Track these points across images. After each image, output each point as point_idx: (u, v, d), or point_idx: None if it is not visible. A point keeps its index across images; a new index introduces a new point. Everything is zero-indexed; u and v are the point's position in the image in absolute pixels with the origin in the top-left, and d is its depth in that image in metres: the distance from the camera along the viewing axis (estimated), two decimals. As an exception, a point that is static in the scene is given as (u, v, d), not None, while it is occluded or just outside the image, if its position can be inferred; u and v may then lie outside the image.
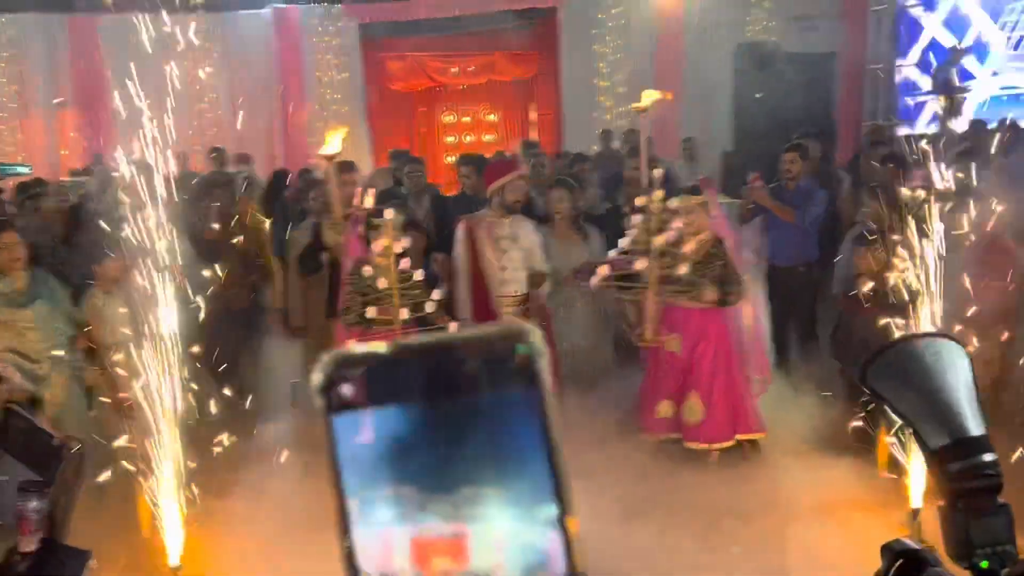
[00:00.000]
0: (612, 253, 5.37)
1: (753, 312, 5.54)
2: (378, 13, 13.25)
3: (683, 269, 5.15)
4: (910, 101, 13.09)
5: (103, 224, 4.64)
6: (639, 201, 5.42)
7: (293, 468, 5.24)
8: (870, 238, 5.29)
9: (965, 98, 12.21)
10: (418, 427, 0.49)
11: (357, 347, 0.51)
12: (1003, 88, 13.53)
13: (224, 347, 5.61)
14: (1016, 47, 13.54)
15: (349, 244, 5.45)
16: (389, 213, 5.04)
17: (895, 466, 4.43)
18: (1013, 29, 13.40)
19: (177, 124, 4.62)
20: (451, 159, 12.95)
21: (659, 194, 5.33)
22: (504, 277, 5.84)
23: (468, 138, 14.69)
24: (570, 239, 6.27)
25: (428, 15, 13.02)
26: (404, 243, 5.00)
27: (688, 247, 5.24)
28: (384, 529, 0.49)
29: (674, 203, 5.31)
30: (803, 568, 3.99)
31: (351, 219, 5.42)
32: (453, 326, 5.14)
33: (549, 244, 6.05)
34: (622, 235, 5.43)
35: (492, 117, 14.91)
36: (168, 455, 3.98)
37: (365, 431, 0.50)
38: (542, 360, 0.50)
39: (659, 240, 5.19)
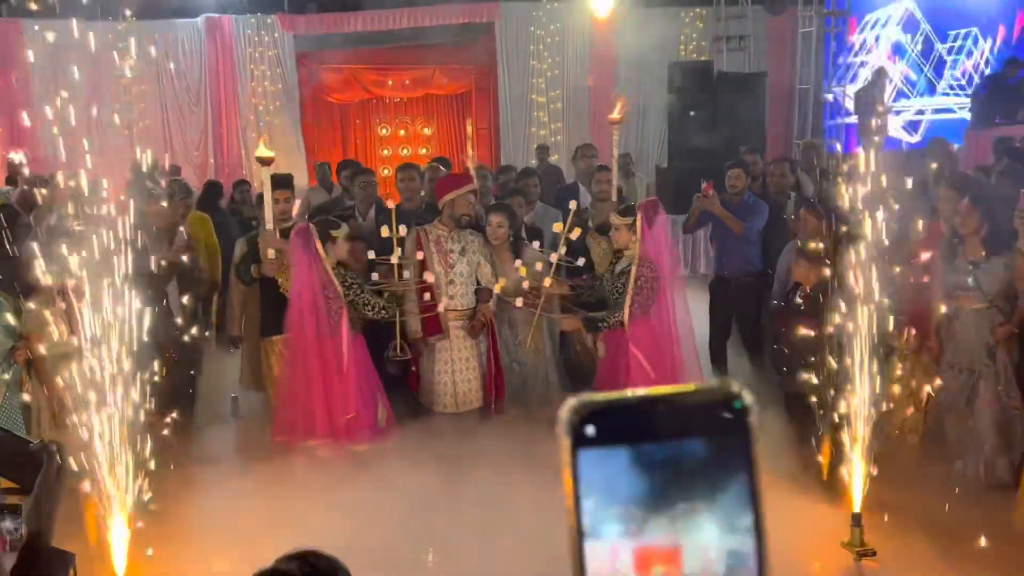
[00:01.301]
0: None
1: (671, 340, 5.54)
2: (314, 25, 13.17)
3: (547, 283, 5.36)
4: (840, 121, 13.57)
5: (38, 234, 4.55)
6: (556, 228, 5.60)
7: (236, 479, 5.20)
8: (806, 250, 5.47)
9: (889, 118, 12.69)
10: (648, 464, 0.60)
11: (601, 395, 0.61)
12: (936, 111, 14.12)
13: (168, 357, 5.51)
14: (938, 69, 14.15)
15: (293, 257, 5.40)
16: (343, 230, 5.16)
17: (835, 470, 4.57)
18: (941, 53, 14.01)
19: (106, 133, 4.56)
20: (387, 172, 12.93)
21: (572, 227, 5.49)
22: (451, 291, 5.86)
23: (404, 151, 14.67)
24: (507, 260, 6.29)
25: (364, 28, 13.00)
26: (342, 252, 5.16)
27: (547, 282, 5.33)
28: (613, 542, 0.60)
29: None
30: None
31: (294, 231, 5.38)
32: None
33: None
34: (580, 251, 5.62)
35: (427, 131, 14.93)
36: (112, 466, 3.90)
37: (603, 464, 0.60)
38: (754, 416, 0.61)
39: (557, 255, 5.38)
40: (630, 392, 0.61)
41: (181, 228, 6.28)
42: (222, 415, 6.51)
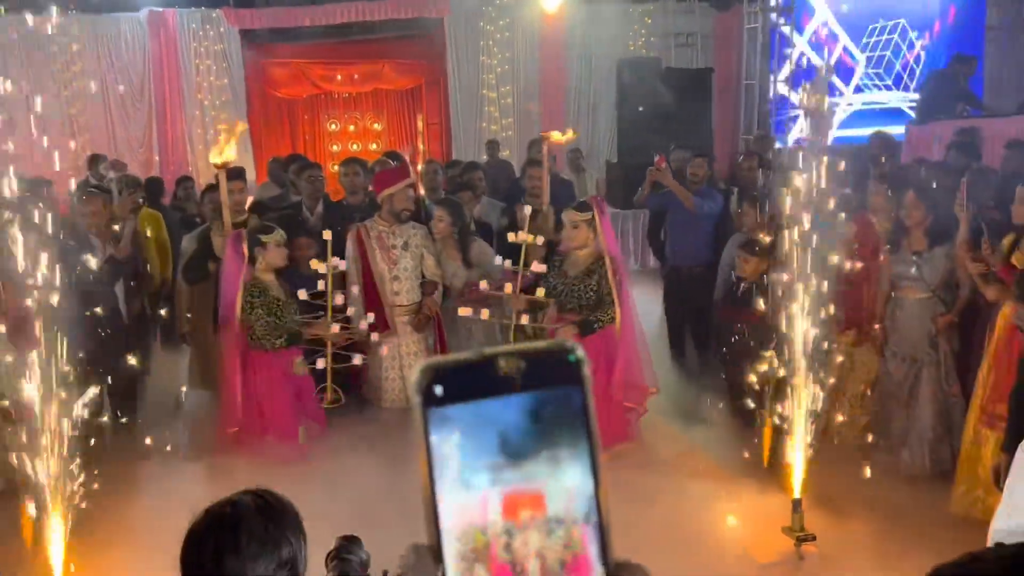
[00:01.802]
0: (506, 263, 5.39)
1: (632, 336, 5.52)
2: (260, 19, 13.01)
3: (536, 267, 5.27)
4: (787, 116, 13.76)
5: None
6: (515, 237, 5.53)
7: (179, 476, 5.13)
8: (747, 244, 5.54)
9: (833, 113, 12.88)
10: (497, 417, 0.64)
11: (448, 356, 0.66)
12: (865, 104, 14.39)
13: (112, 357, 5.43)
14: (876, 65, 14.43)
15: (226, 266, 5.33)
16: (276, 235, 5.10)
17: (776, 458, 4.64)
18: (875, 48, 14.28)
19: (46, 129, 4.46)
20: (336, 167, 12.81)
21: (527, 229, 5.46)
22: (396, 287, 5.84)
23: (354, 146, 14.55)
24: (450, 256, 6.29)
25: (312, 22, 12.86)
26: (281, 255, 5.08)
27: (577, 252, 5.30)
28: (477, 492, 0.64)
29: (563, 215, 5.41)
30: (688, 556, 4.11)
31: (230, 238, 5.32)
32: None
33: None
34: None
35: (377, 126, 14.82)
36: (51, 466, 3.82)
37: (455, 421, 0.64)
38: (587, 367, 0.66)
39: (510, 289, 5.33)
40: (473, 351, 0.65)
41: (116, 227, 6.13)
42: (169, 413, 6.42)
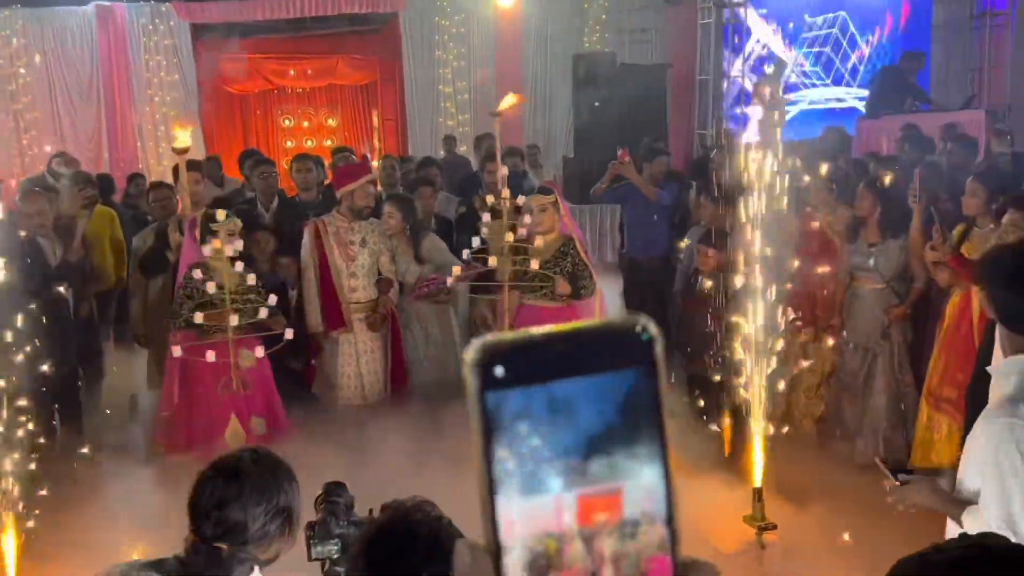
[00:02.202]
0: (466, 253, 5.38)
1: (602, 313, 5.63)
2: (211, 13, 12.80)
3: (534, 265, 5.20)
4: (739, 110, 13.89)
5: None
6: (489, 199, 5.48)
7: (133, 482, 5.03)
8: (711, 237, 5.58)
9: (788, 109, 13.04)
10: (564, 403, 0.57)
11: (509, 333, 0.58)
12: (812, 103, 14.61)
13: (62, 361, 5.29)
14: (818, 63, 14.64)
15: (184, 249, 5.23)
16: (221, 215, 4.94)
17: (737, 448, 4.69)
18: (825, 45, 14.49)
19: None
20: (288, 164, 12.67)
21: (506, 192, 5.41)
22: (353, 284, 5.77)
23: (308, 142, 14.41)
24: (403, 252, 6.25)
25: (264, 17, 12.69)
26: (236, 246, 4.89)
27: (538, 241, 5.30)
28: (549, 493, 0.56)
29: (524, 201, 5.37)
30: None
31: (187, 223, 5.21)
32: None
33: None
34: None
35: (332, 122, 14.70)
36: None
37: (518, 407, 0.56)
38: (659, 346, 0.60)
39: (509, 237, 5.23)
40: (535, 330, 0.58)
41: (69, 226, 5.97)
42: (123, 416, 6.29)
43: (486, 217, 5.31)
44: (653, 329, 0.60)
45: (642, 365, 0.59)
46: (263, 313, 4.81)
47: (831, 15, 14.34)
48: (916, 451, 5.08)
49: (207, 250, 4.80)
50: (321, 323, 5.71)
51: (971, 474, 2.24)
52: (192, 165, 5.86)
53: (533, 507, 0.57)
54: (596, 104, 11.40)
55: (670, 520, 0.59)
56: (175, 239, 5.46)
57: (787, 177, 6.99)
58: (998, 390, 2.28)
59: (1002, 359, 2.32)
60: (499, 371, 0.56)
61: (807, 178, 5.76)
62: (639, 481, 0.58)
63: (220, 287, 4.78)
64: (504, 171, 5.56)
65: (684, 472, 4.78)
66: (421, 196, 6.59)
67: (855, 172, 6.84)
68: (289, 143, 14.42)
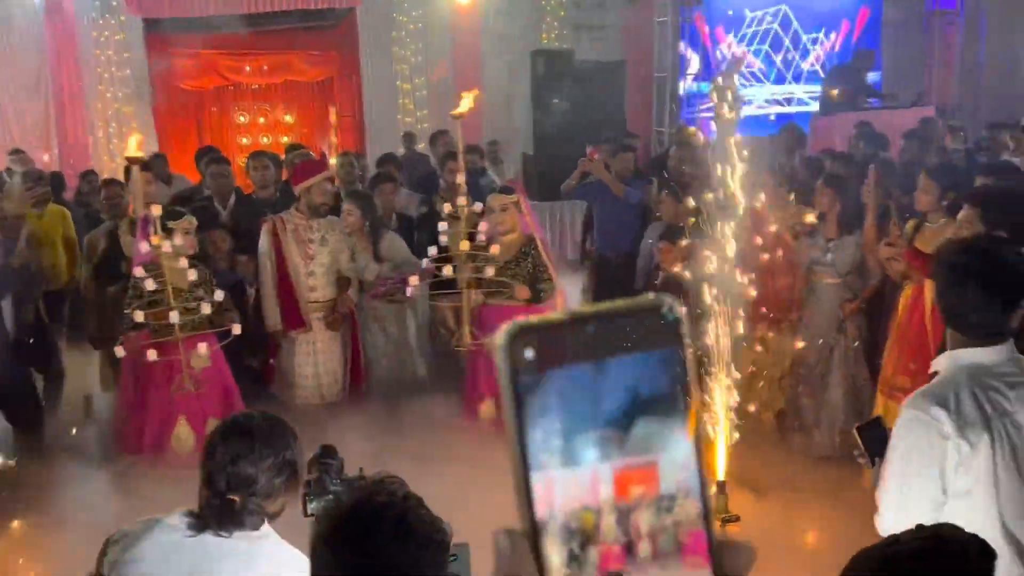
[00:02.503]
0: (425, 262, 5.32)
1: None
2: (163, 7, 12.57)
3: (490, 271, 5.17)
4: (698, 109, 14.02)
5: None
6: (446, 209, 5.47)
7: (88, 485, 4.93)
8: (672, 233, 5.61)
9: (743, 107, 13.17)
10: (595, 382, 0.58)
11: (538, 316, 0.59)
12: (785, 98, 14.79)
13: (11, 367, 5.17)
14: (791, 62, 14.81)
15: (136, 248, 5.11)
16: (184, 221, 4.87)
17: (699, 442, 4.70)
18: (779, 43, 14.65)
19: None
20: (244, 161, 12.51)
21: (463, 200, 5.38)
22: (312, 283, 5.70)
23: (265, 139, 14.23)
24: (363, 249, 6.20)
25: (218, 12, 12.49)
26: (179, 241, 4.80)
27: (495, 248, 5.24)
28: (584, 468, 0.58)
29: (483, 205, 5.33)
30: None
31: (140, 222, 5.09)
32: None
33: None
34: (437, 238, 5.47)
35: (289, 118, 14.53)
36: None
37: (550, 389, 0.58)
38: (685, 326, 0.61)
39: (464, 245, 5.19)
40: (563, 312, 0.59)
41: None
42: (77, 418, 6.16)
43: (443, 226, 5.26)
44: (678, 310, 0.61)
45: (668, 344, 0.60)
46: (206, 309, 4.73)
47: (784, 12, 14.53)
48: (873, 443, 5.16)
49: (148, 246, 4.71)
50: (279, 322, 5.64)
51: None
52: (145, 165, 5.73)
53: (568, 483, 0.57)
54: (556, 100, 11.42)
55: (703, 494, 0.61)
56: (126, 241, 5.35)
57: (744, 174, 7.08)
58: (933, 381, 2.33)
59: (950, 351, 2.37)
60: (529, 354, 0.58)
61: (764, 175, 5.86)
62: (673, 455, 0.59)
63: (161, 286, 4.69)
64: (460, 176, 5.49)
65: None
66: (381, 193, 6.53)
67: (811, 169, 6.92)
68: (245, 140, 14.23)
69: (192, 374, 4.82)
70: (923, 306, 4.83)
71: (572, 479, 0.57)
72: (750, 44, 14.54)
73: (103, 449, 5.46)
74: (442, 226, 5.28)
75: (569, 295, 6.80)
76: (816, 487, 4.90)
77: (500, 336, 0.58)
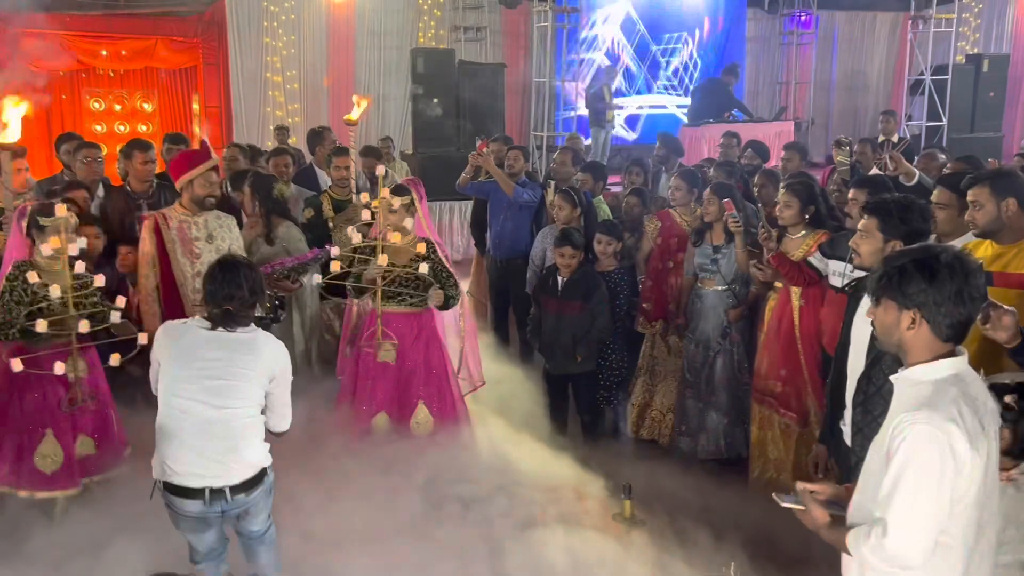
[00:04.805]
0: (335, 250, 5.02)
1: (467, 319, 5.37)
2: (10, -19, 11.67)
3: (382, 260, 4.80)
4: (571, 114, 14.21)
5: None
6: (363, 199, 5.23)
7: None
8: (567, 237, 5.62)
9: (616, 114, 13.48)
10: None
11: None
12: (652, 107, 15.17)
13: None
14: (656, 70, 15.21)
15: (10, 244, 4.61)
16: (61, 210, 4.39)
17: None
18: (646, 53, 15.05)
19: None
20: (105, 149, 11.76)
21: (365, 196, 5.17)
22: (198, 284, 5.24)
23: (121, 127, 13.46)
24: (258, 234, 5.94)
25: (73, -11, 11.73)
26: (78, 244, 4.35)
27: (382, 259, 4.90)
28: None
29: (375, 202, 5.06)
30: (526, 545, 4.10)
31: (15, 215, 4.59)
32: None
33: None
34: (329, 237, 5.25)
35: (148, 106, 13.80)
36: None
37: None
38: None
39: (357, 238, 4.88)
40: None
41: None
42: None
43: (366, 214, 4.99)
44: None
45: None
46: (115, 317, 4.36)
47: (654, 24, 14.93)
48: (753, 450, 5.31)
49: (46, 250, 4.27)
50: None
51: (883, 480, 2.27)
52: (20, 152, 5.25)
53: None
54: (435, 100, 11.31)
55: None
56: None
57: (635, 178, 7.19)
58: (913, 395, 2.32)
59: (914, 364, 2.39)
60: None
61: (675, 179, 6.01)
62: None
63: (46, 292, 4.26)
64: (380, 170, 5.28)
65: (553, 466, 4.82)
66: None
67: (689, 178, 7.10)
68: (98, 127, 13.41)
69: (82, 386, 4.43)
70: (791, 313, 5.02)
71: None
72: (638, 54, 14.87)
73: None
74: (365, 215, 4.96)
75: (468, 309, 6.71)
76: (701, 491, 4.99)
77: None
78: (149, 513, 3.79)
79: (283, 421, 3.72)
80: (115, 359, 4.28)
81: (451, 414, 5.07)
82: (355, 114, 5.69)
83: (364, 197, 5.14)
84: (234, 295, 3.50)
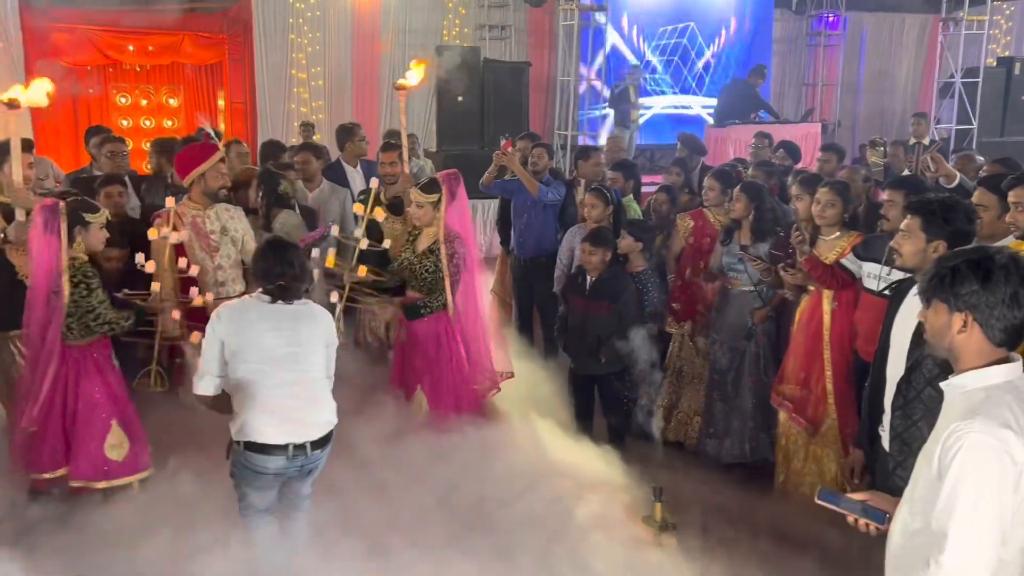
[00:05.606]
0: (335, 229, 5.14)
1: (476, 320, 5.23)
2: (41, -23, 11.76)
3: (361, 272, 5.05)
4: (595, 113, 14.16)
5: None
6: (357, 209, 5.30)
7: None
8: (597, 236, 5.56)
9: (643, 114, 13.40)
10: None
11: None
12: (671, 107, 15.07)
13: None
14: (681, 71, 15.11)
15: (32, 236, 4.50)
16: (102, 215, 4.56)
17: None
18: (673, 54, 14.96)
19: None
20: (131, 144, 11.81)
21: (358, 208, 5.27)
22: (222, 276, 5.27)
23: (147, 122, 13.53)
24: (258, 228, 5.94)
25: (101, -15, 11.79)
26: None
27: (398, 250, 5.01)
28: None
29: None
30: (552, 544, 4.07)
31: (39, 207, 4.50)
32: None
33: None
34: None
35: (174, 102, 13.85)
36: None
37: None
38: None
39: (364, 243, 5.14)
40: None
41: None
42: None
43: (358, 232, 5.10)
44: None
45: None
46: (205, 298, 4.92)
47: (681, 25, 14.83)
48: (779, 454, 5.25)
49: (78, 249, 4.39)
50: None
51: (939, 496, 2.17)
52: (25, 145, 5.15)
53: None
54: (459, 98, 11.29)
55: None
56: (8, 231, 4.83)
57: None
58: (964, 403, 2.22)
59: (966, 370, 2.29)
60: None
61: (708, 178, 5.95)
62: None
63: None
64: (406, 167, 5.31)
65: (582, 469, 4.77)
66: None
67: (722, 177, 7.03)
68: (124, 122, 13.48)
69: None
70: (821, 316, 4.94)
71: None
72: (663, 54, 14.79)
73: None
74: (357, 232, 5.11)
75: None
76: (728, 495, 4.94)
77: None
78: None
79: (329, 383, 4.01)
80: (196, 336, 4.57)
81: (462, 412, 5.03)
82: (411, 78, 5.61)
83: (358, 208, 5.20)
84: (286, 272, 3.78)
